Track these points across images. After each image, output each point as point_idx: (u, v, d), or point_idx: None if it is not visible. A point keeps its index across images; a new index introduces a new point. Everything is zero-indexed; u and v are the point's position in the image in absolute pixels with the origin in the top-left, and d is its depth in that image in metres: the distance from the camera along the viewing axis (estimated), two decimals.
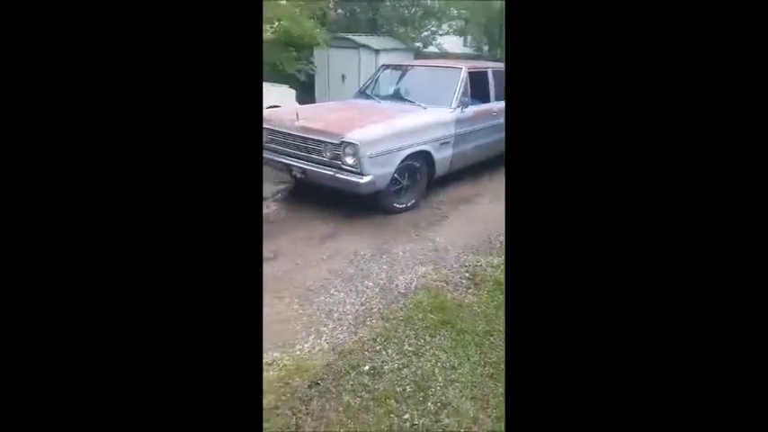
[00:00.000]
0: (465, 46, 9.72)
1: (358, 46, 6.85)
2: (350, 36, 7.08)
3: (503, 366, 1.65)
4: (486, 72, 4.02)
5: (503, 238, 2.75)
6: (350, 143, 2.83)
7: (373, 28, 8.06)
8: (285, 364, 1.69)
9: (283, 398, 1.52)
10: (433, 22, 8.40)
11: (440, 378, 1.64)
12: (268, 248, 2.67)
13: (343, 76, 7.02)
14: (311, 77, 7.16)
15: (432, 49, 8.36)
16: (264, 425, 1.41)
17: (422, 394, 1.56)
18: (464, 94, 3.59)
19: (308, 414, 1.46)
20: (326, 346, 1.81)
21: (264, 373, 1.64)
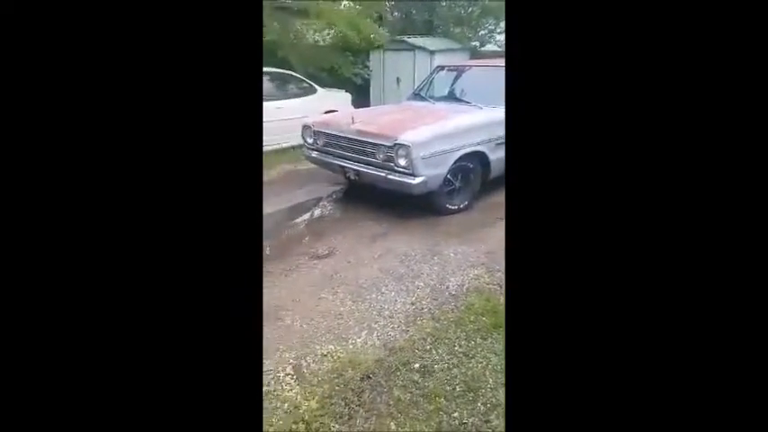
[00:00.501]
0: None
1: (413, 48, 6.88)
2: (405, 38, 7.13)
3: None
4: None
5: None
6: (402, 145, 2.87)
7: (429, 29, 8.05)
8: (339, 357, 1.77)
9: (337, 388, 1.60)
10: (491, 21, 8.23)
11: (490, 380, 1.63)
12: (323, 246, 2.79)
13: (398, 79, 7.08)
14: (367, 81, 7.31)
15: (490, 47, 8.18)
16: (319, 412, 1.49)
17: (472, 394, 1.56)
18: None
19: (359, 405, 1.52)
20: (378, 342, 1.87)
21: (320, 365, 1.73)
